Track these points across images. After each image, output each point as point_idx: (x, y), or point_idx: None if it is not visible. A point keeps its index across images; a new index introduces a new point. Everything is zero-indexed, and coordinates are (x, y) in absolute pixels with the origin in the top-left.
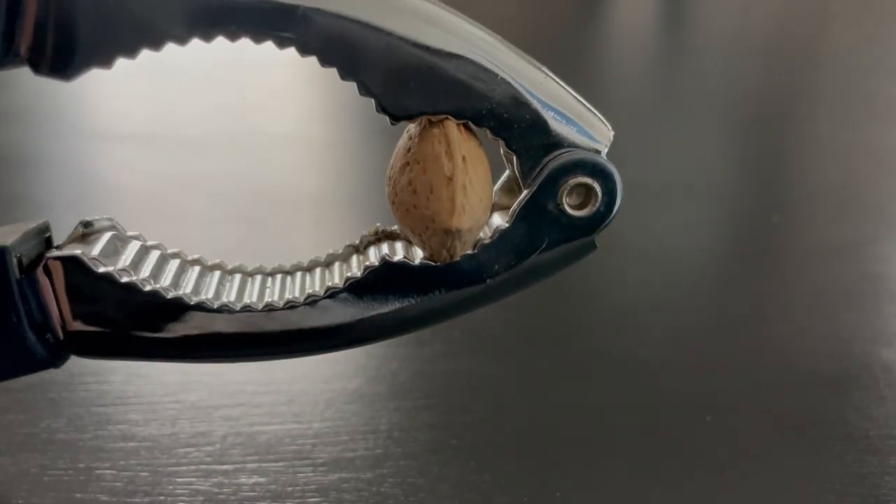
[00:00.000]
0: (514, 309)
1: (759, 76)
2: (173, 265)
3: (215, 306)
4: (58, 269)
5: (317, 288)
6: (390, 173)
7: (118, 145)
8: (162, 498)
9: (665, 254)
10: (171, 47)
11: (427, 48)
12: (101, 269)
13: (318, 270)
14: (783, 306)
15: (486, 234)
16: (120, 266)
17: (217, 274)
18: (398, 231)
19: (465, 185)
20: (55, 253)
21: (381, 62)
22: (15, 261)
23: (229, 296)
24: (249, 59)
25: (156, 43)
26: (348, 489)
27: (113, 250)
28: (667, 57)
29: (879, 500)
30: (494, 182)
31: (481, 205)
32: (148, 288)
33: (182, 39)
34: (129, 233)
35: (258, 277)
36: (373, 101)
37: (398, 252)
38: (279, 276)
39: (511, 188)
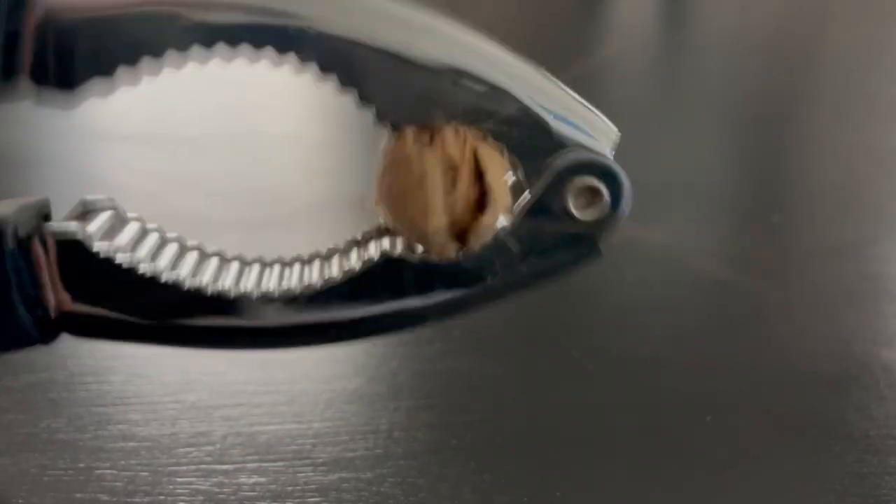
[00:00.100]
0: (514, 309)
1: (759, 76)
2: (171, 249)
3: (210, 292)
4: (53, 243)
5: (315, 280)
6: (376, 177)
7: (118, 145)
8: (162, 498)
9: (665, 254)
10: (168, 70)
11: (422, 57)
12: (98, 247)
13: (316, 262)
14: (783, 306)
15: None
16: (117, 245)
17: (215, 260)
18: None
19: (440, 186)
20: (51, 227)
21: (377, 73)
22: (10, 231)
23: (225, 283)
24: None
25: (154, 69)
26: (348, 489)
27: (111, 229)
28: (667, 57)
29: (879, 500)
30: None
31: (469, 204)
32: (143, 269)
33: (180, 63)
34: (130, 214)
35: (255, 266)
36: (371, 111)
37: (398, 247)
38: (277, 267)
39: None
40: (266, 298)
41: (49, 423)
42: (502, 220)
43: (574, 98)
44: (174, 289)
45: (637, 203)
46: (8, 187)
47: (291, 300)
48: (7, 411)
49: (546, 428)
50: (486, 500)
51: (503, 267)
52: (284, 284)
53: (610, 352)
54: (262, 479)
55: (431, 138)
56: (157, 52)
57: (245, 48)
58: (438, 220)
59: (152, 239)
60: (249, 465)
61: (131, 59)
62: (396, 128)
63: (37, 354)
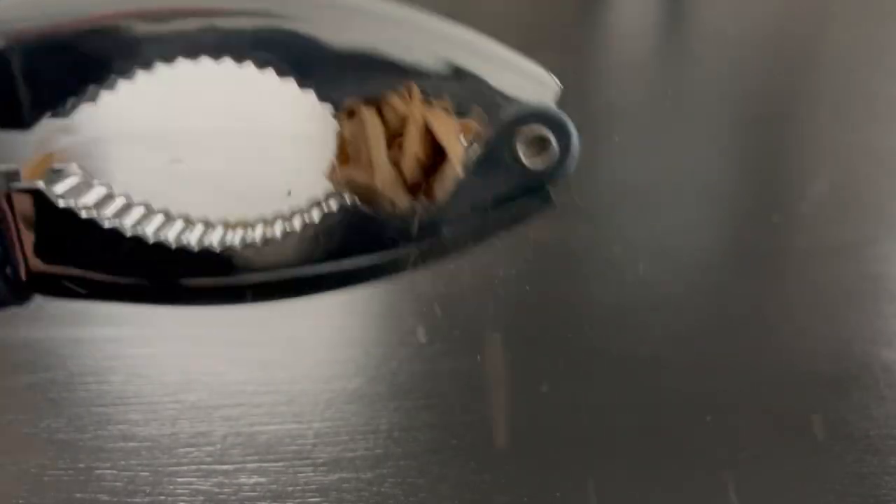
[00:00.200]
0: (514, 309)
1: (759, 76)
2: (137, 210)
3: (174, 246)
4: (21, 201)
5: (276, 234)
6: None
7: (118, 145)
8: (162, 498)
9: (665, 254)
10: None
11: (354, 34)
12: (64, 204)
13: (279, 222)
14: (783, 306)
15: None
16: (83, 203)
17: (180, 222)
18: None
19: (382, 142)
20: (18, 185)
21: (312, 56)
22: None
23: (190, 239)
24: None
25: (111, 84)
26: (348, 489)
27: (77, 192)
28: (667, 57)
29: (879, 500)
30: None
31: (419, 161)
32: (108, 225)
33: (130, 75)
34: (96, 181)
35: (219, 227)
36: (313, 92)
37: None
38: (240, 228)
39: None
40: (230, 252)
41: (49, 423)
42: (457, 174)
43: (514, 54)
44: (139, 244)
45: (637, 203)
46: None
47: (255, 253)
48: (7, 411)
49: (546, 428)
50: (486, 500)
51: (460, 218)
52: (248, 239)
53: (610, 352)
54: (262, 479)
55: (380, 109)
56: (118, 69)
57: (187, 55)
58: (385, 175)
59: (119, 201)
60: (249, 465)
61: (93, 79)
62: (338, 106)
63: (37, 354)
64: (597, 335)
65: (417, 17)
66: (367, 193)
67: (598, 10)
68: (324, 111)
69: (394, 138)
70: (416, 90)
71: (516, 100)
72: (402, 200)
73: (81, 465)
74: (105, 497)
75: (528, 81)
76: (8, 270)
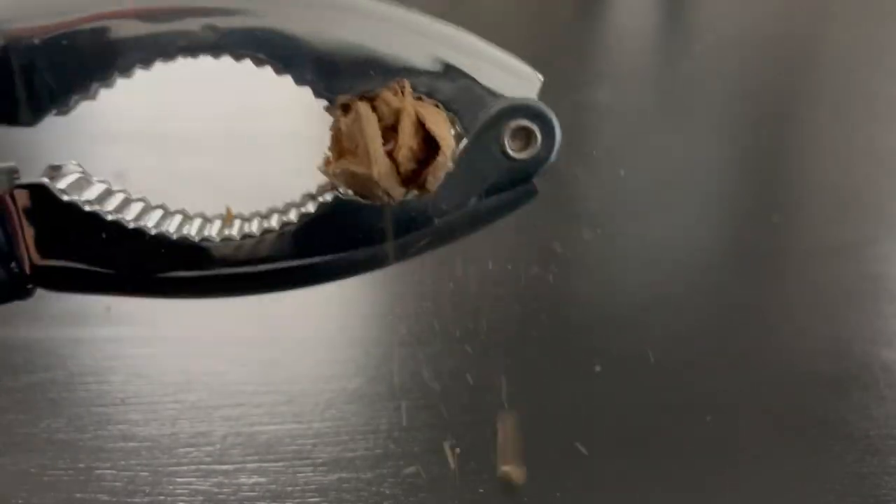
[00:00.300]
0: (514, 309)
1: (759, 76)
2: (137, 206)
3: (175, 237)
4: (24, 198)
5: (273, 226)
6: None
7: (118, 145)
8: (162, 498)
9: (665, 254)
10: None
11: (347, 33)
12: (67, 198)
13: (275, 216)
14: (783, 306)
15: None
16: (84, 199)
17: (178, 216)
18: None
19: (378, 135)
20: (22, 181)
21: (307, 54)
22: None
23: (190, 232)
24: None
25: (110, 81)
26: (348, 489)
27: (78, 187)
28: (667, 57)
29: (879, 500)
30: None
31: (413, 152)
32: (110, 218)
33: (130, 73)
34: (96, 178)
35: (217, 221)
36: (309, 89)
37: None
38: (237, 221)
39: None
40: (229, 245)
41: (49, 423)
42: (449, 166)
43: (498, 50)
44: (140, 238)
45: (637, 203)
46: None
47: (254, 245)
48: (7, 411)
49: (547, 428)
50: (487, 499)
51: (450, 208)
52: (246, 230)
53: (610, 352)
54: (262, 479)
55: (373, 104)
56: (118, 66)
57: (185, 53)
58: (381, 167)
59: (118, 197)
60: (249, 465)
61: (86, 72)
62: (333, 102)
63: (37, 354)
64: (597, 335)
65: (409, 16)
66: (363, 184)
67: (598, 10)
68: (318, 107)
69: (387, 132)
70: (407, 86)
71: (502, 95)
72: (397, 191)
73: (81, 465)
74: (105, 497)
75: (512, 76)
76: (12, 265)
